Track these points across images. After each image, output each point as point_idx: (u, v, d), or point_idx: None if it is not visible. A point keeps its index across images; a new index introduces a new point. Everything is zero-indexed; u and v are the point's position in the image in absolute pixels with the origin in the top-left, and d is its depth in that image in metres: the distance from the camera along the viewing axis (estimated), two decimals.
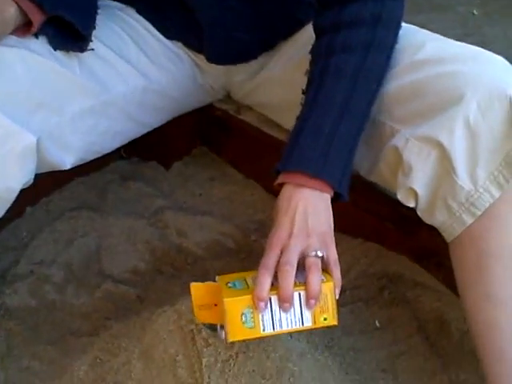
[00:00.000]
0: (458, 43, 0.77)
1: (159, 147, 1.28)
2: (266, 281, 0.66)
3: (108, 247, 1.14)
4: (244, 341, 0.73)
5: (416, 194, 0.73)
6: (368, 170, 0.83)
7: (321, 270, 0.67)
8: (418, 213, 0.76)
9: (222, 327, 0.69)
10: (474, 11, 1.77)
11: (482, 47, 0.76)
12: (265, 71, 1.02)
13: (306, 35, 0.93)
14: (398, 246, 1.07)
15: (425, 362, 0.94)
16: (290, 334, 0.83)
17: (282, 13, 0.96)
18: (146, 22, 0.98)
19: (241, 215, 1.21)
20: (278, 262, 0.67)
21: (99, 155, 0.97)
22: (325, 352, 0.88)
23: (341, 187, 0.73)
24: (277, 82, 0.99)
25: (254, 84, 1.05)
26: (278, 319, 0.67)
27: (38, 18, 0.77)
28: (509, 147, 0.67)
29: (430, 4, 1.86)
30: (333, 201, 0.73)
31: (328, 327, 0.69)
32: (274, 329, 0.67)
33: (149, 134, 1.05)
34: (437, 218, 0.74)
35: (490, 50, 0.75)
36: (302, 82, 0.81)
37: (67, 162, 0.88)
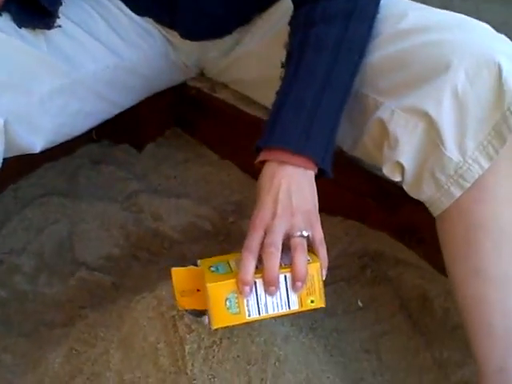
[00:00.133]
0: (442, 11, 0.75)
1: (131, 129, 1.25)
2: (250, 264, 0.63)
3: (81, 234, 1.12)
4: (229, 327, 0.71)
5: (402, 168, 0.72)
6: (351, 145, 0.81)
7: (306, 250, 0.65)
8: (404, 187, 0.74)
9: (206, 313, 0.67)
10: None
11: None
12: (240, 46, 0.99)
13: (282, 8, 0.91)
14: (378, 224, 1.06)
15: (408, 341, 0.94)
16: (275, 318, 0.81)
17: None
18: None
19: (217, 197, 1.19)
20: (262, 243, 0.65)
21: (70, 137, 0.94)
22: (309, 334, 0.87)
23: (324, 163, 0.70)
24: (253, 57, 0.97)
25: (230, 60, 1.02)
26: (263, 303, 0.65)
27: None
28: (498, 116, 0.65)
29: None
30: (316, 177, 0.71)
31: (315, 310, 0.67)
32: (259, 313, 0.65)
33: (120, 115, 1.03)
34: (424, 192, 0.72)
35: None
36: (280, 56, 0.79)
37: (37, 144, 0.85)
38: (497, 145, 0.66)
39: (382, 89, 0.74)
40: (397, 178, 0.73)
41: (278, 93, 0.74)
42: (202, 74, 1.13)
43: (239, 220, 1.13)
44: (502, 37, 0.70)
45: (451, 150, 0.67)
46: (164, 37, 1.00)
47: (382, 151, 0.73)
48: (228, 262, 0.69)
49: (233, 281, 0.64)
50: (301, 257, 0.64)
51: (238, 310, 0.64)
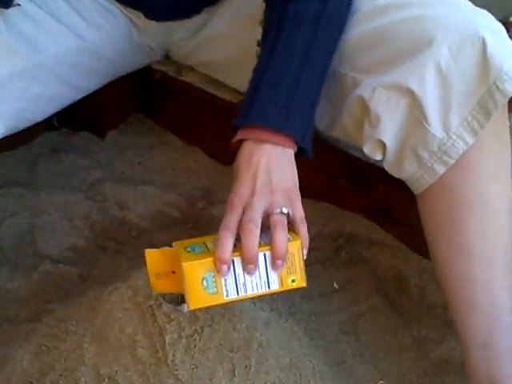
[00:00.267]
0: None
1: (91, 116, 1.21)
2: (227, 242, 0.61)
3: (43, 226, 1.08)
4: (206, 308, 0.68)
5: (384, 146, 0.70)
6: (328, 125, 0.79)
7: (287, 228, 0.63)
8: (385, 166, 0.73)
9: (183, 299, 0.64)
10: None
11: None
12: (208, 27, 0.97)
13: None
14: (352, 205, 1.06)
15: (386, 321, 0.94)
16: (254, 302, 0.79)
17: None
18: None
19: (184, 183, 1.17)
20: (240, 221, 0.62)
21: (31, 123, 0.90)
22: (289, 319, 0.86)
23: (304, 142, 0.69)
24: (222, 38, 0.94)
25: (197, 42, 1.00)
26: (242, 283, 0.62)
27: None
28: (483, 90, 0.65)
29: None
30: (296, 156, 0.69)
31: (295, 290, 0.64)
32: (238, 294, 0.62)
33: (79, 101, 0.99)
34: (406, 170, 0.71)
35: None
36: (250, 36, 0.77)
37: None
38: (482, 119, 0.65)
39: (361, 66, 0.73)
40: (377, 157, 0.72)
41: (254, 70, 0.72)
42: (167, 57, 1.10)
43: (208, 206, 1.11)
44: (484, 12, 0.69)
45: (435, 127, 0.66)
46: (127, 17, 0.97)
47: (362, 130, 0.72)
48: (205, 243, 0.66)
49: (210, 259, 0.61)
50: (281, 234, 0.62)
51: (215, 290, 0.62)
